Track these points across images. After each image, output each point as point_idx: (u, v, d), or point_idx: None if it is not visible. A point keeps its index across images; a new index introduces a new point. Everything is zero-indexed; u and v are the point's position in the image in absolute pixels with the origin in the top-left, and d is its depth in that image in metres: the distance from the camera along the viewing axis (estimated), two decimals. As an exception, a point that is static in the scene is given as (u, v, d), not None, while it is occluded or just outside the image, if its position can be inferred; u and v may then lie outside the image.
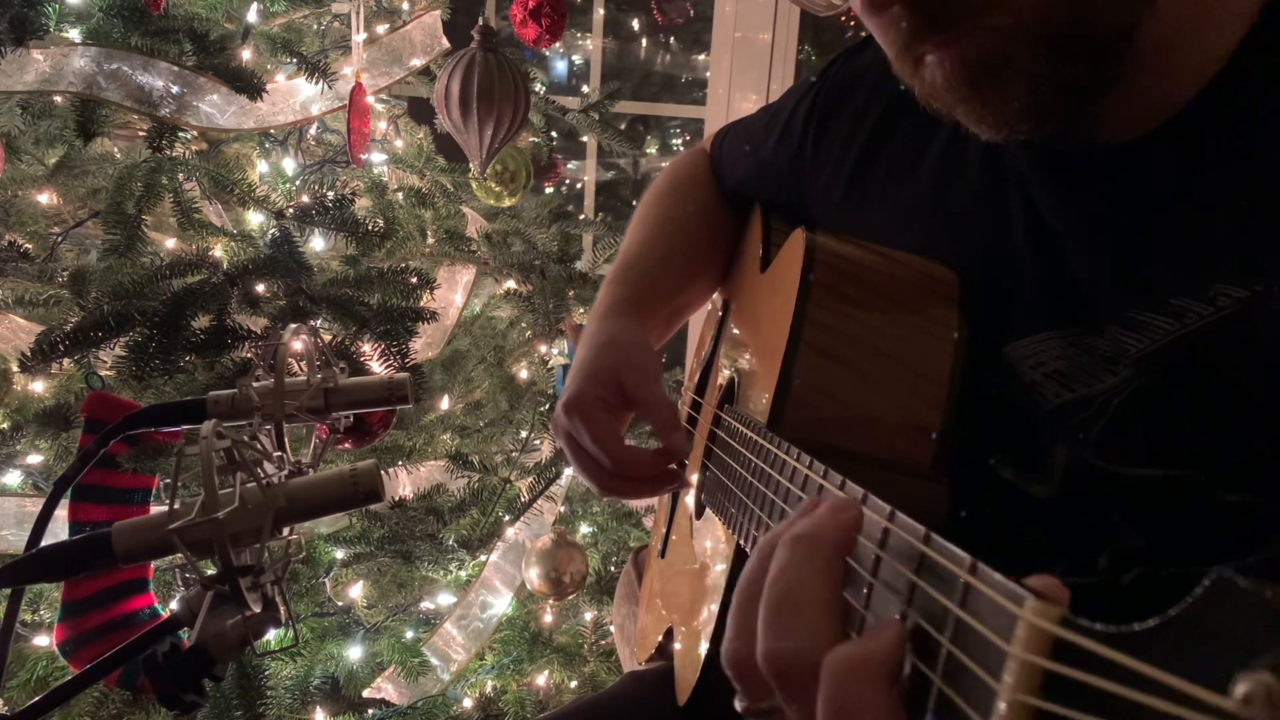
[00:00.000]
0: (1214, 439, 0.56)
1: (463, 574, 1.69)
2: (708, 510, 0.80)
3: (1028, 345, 0.64)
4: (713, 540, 0.77)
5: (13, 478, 1.42)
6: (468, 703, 1.66)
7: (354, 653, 1.58)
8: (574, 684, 1.71)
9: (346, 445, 1.27)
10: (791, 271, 0.68)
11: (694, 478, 0.86)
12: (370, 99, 1.56)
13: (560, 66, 3.25)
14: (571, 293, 1.67)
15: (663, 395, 0.78)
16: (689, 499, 0.89)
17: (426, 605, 1.71)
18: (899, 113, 0.76)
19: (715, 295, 1.02)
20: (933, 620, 0.32)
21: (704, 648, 0.70)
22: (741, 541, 0.62)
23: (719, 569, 0.72)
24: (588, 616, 1.81)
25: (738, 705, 0.42)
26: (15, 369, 1.28)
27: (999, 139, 0.58)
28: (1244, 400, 0.55)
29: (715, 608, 0.68)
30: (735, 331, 0.89)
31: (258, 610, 0.57)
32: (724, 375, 0.87)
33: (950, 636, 0.31)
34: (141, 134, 1.43)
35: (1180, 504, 0.58)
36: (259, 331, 1.27)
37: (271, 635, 0.77)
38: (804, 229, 0.71)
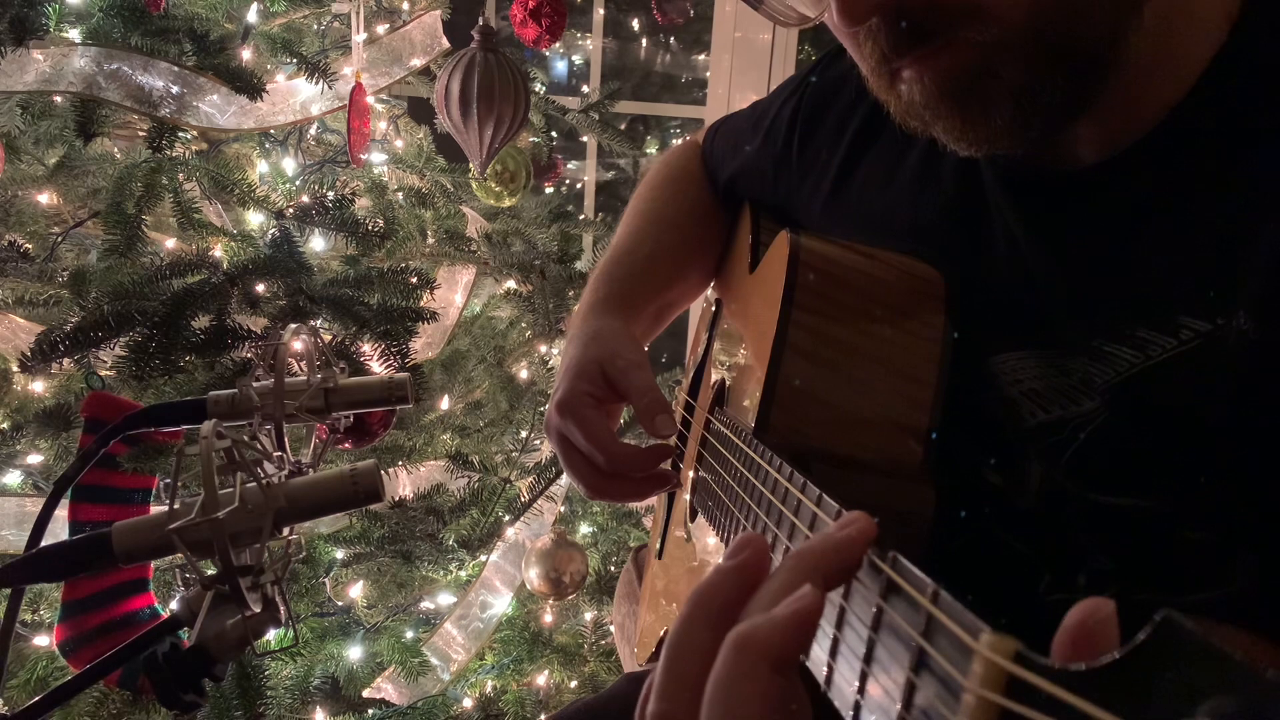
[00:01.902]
0: (1177, 474, 0.56)
1: (463, 574, 1.70)
2: (699, 515, 0.80)
3: (1008, 360, 0.63)
4: (705, 545, 0.77)
5: (13, 478, 1.42)
6: (468, 703, 1.66)
7: (354, 653, 1.58)
8: (574, 684, 1.71)
9: (346, 445, 1.27)
10: (777, 273, 0.68)
11: (689, 479, 0.86)
12: (370, 99, 1.56)
13: (560, 66, 3.25)
14: (571, 293, 1.67)
15: (647, 381, 0.77)
16: (685, 499, 0.89)
17: (426, 605, 1.71)
18: (880, 121, 0.75)
19: (709, 294, 1.02)
20: (899, 648, 0.32)
21: None
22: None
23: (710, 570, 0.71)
24: (588, 616, 1.81)
25: None
26: (15, 369, 1.28)
27: (977, 155, 0.57)
28: (1204, 437, 0.54)
29: None
30: (725, 333, 0.89)
31: (258, 610, 0.57)
32: (715, 377, 0.87)
33: (913, 666, 0.31)
34: (141, 134, 1.43)
35: (1146, 534, 0.58)
36: (259, 331, 1.27)
37: (271, 635, 0.77)
38: (789, 230, 0.70)
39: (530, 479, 1.58)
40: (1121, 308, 0.57)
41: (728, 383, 0.80)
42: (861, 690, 0.34)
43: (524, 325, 1.78)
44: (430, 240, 1.67)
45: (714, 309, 0.99)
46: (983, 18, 0.50)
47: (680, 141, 1.08)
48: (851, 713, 0.35)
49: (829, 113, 0.81)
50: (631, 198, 1.02)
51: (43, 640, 1.42)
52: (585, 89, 3.02)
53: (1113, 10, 0.50)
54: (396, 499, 1.50)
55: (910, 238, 0.70)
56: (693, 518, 0.84)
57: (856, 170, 0.77)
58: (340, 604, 1.59)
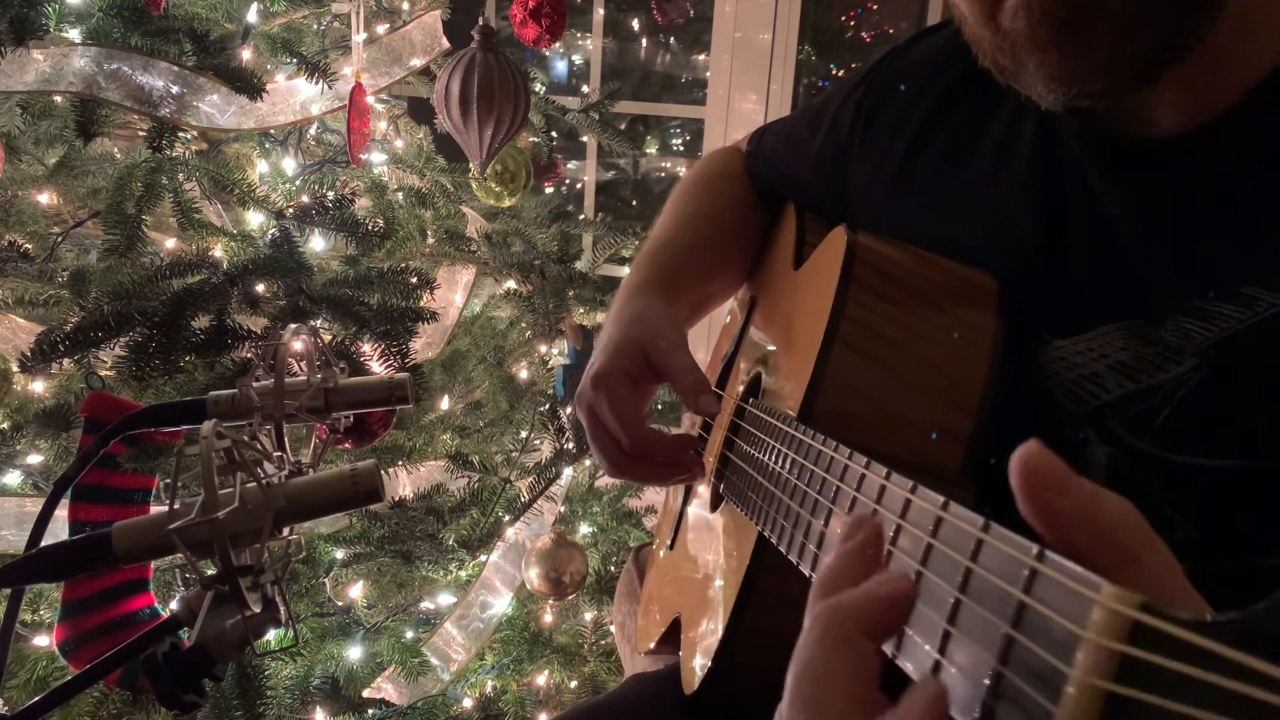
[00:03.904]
0: (1276, 429, 0.56)
1: (463, 574, 1.69)
2: (724, 503, 0.80)
3: (1093, 337, 0.63)
4: (730, 532, 0.77)
5: (13, 478, 1.42)
6: (468, 703, 1.66)
7: (354, 653, 1.58)
8: (574, 684, 1.71)
9: (346, 445, 1.27)
10: (830, 269, 0.68)
11: (709, 469, 0.86)
12: (370, 99, 1.56)
13: (560, 66, 3.25)
14: (571, 293, 1.67)
15: (689, 362, 0.78)
16: (703, 491, 0.89)
17: (426, 605, 1.71)
18: (949, 105, 0.76)
19: (733, 305, 1.03)
20: (992, 606, 0.32)
21: (717, 639, 0.70)
22: (765, 531, 0.62)
23: (736, 561, 0.72)
24: (588, 616, 1.81)
25: None
26: (15, 369, 1.28)
27: (1060, 104, 0.57)
28: None
29: (731, 599, 0.69)
30: (764, 327, 0.89)
31: (258, 610, 0.57)
32: (748, 370, 0.87)
33: (1012, 622, 0.30)
34: (141, 134, 1.43)
35: (1238, 494, 0.58)
36: (259, 331, 1.27)
37: (271, 635, 0.77)
38: (845, 227, 0.71)
39: (530, 479, 1.58)
40: (1224, 267, 0.57)
41: (765, 377, 0.80)
42: (943, 650, 0.34)
43: (524, 325, 1.78)
44: (430, 240, 1.67)
45: (745, 308, 0.99)
46: None
47: (686, 149, 1.10)
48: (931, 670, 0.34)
49: (893, 101, 0.82)
50: (670, 196, 1.04)
51: (43, 640, 1.42)
52: (585, 89, 3.02)
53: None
54: (396, 499, 1.50)
55: (985, 217, 0.71)
56: (713, 508, 0.84)
57: (925, 153, 0.78)
58: (340, 604, 1.59)
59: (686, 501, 0.98)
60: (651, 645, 0.98)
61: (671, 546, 1.00)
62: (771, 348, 0.82)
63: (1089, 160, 0.64)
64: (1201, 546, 0.59)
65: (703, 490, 0.90)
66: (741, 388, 0.87)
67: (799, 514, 0.55)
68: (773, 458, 0.63)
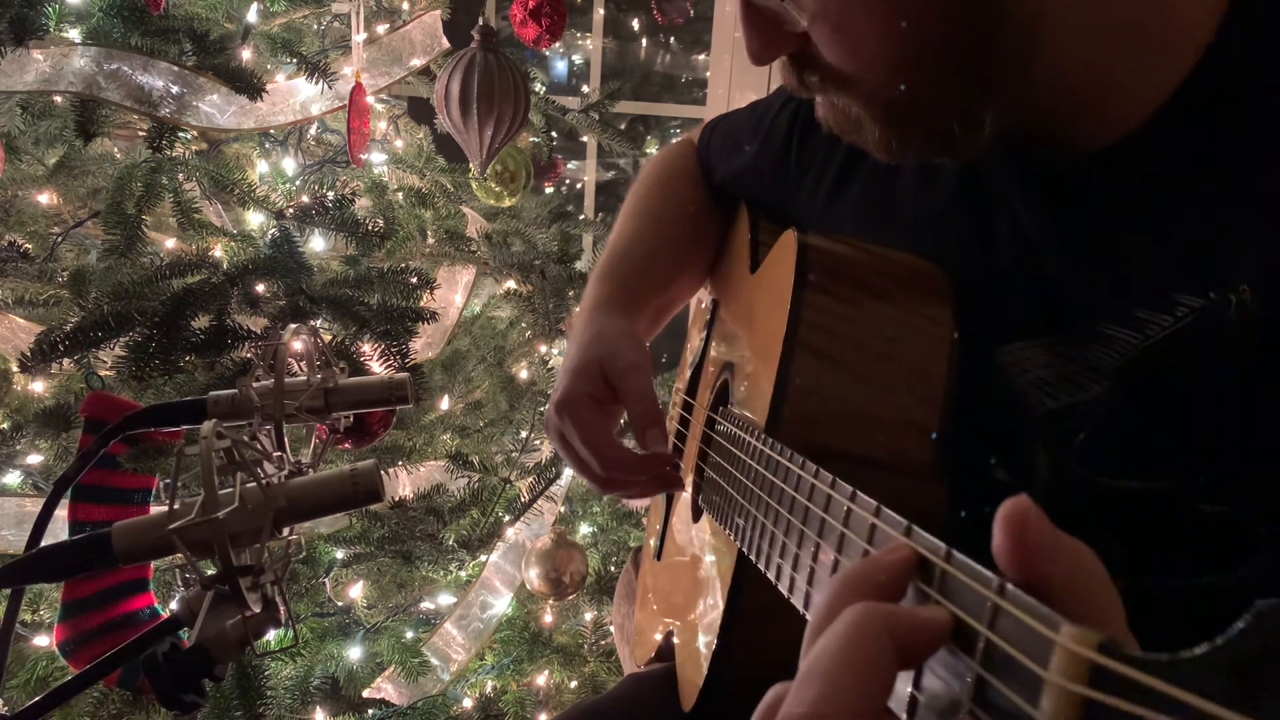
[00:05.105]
0: (1188, 451, 0.56)
1: (463, 574, 1.70)
2: (705, 515, 0.80)
3: (1013, 351, 0.63)
4: (714, 542, 0.77)
5: (13, 478, 1.42)
6: (468, 703, 1.66)
7: (354, 653, 1.58)
8: (574, 684, 1.71)
9: (346, 445, 1.27)
10: (784, 273, 0.68)
11: (688, 479, 0.85)
12: (370, 99, 1.56)
13: (560, 66, 3.25)
14: (571, 293, 1.67)
15: (643, 387, 0.78)
16: (684, 499, 0.89)
17: (426, 605, 1.71)
18: None
19: (704, 294, 1.02)
20: (960, 641, 0.31)
21: (709, 652, 0.70)
22: (745, 550, 0.62)
23: (721, 571, 0.71)
24: (588, 616, 1.81)
25: None
26: (15, 369, 1.28)
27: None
28: (1210, 411, 0.55)
29: (719, 611, 0.68)
30: (727, 333, 0.89)
31: (258, 610, 0.57)
32: (715, 377, 0.87)
33: (980, 660, 0.30)
34: (141, 134, 1.43)
35: (1161, 515, 0.58)
36: (259, 331, 1.27)
37: (271, 635, 0.77)
38: (795, 230, 0.71)
39: (530, 479, 1.58)
40: (1120, 289, 0.57)
41: (732, 384, 0.80)
42: (918, 685, 0.33)
43: (524, 325, 1.78)
44: (430, 240, 1.67)
45: (710, 309, 0.99)
46: (848, 89, 0.57)
47: (675, 139, 1.09)
48: (906, 712, 0.34)
49: None
50: (627, 196, 1.03)
51: (43, 640, 1.42)
52: (585, 89, 3.02)
53: (966, 95, 0.56)
54: (396, 499, 1.50)
55: (914, 232, 0.70)
56: (695, 518, 0.84)
57: (858, 169, 0.78)
58: (340, 604, 1.59)
59: (670, 506, 0.98)
60: (644, 662, 0.97)
61: (659, 553, 0.99)
62: (736, 354, 0.82)
63: (1008, 180, 0.64)
64: (1134, 565, 0.58)
65: (684, 498, 0.90)
66: (710, 394, 0.87)
67: (774, 534, 0.55)
68: (746, 474, 0.63)
